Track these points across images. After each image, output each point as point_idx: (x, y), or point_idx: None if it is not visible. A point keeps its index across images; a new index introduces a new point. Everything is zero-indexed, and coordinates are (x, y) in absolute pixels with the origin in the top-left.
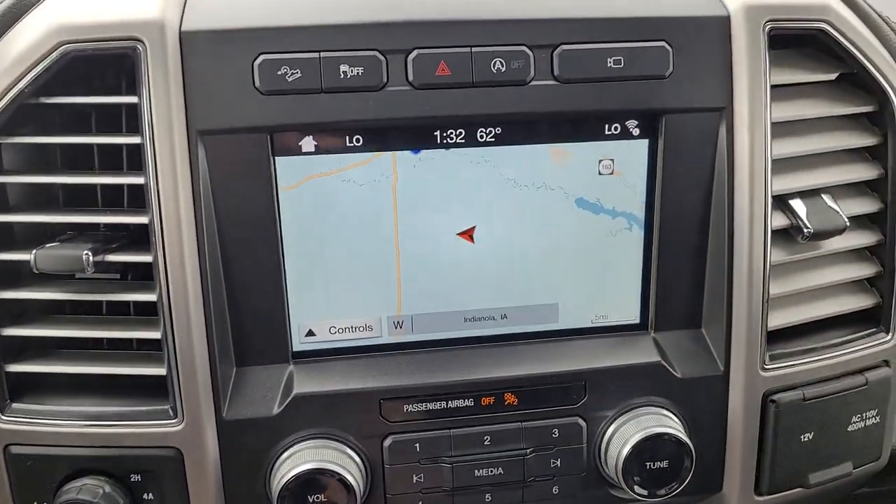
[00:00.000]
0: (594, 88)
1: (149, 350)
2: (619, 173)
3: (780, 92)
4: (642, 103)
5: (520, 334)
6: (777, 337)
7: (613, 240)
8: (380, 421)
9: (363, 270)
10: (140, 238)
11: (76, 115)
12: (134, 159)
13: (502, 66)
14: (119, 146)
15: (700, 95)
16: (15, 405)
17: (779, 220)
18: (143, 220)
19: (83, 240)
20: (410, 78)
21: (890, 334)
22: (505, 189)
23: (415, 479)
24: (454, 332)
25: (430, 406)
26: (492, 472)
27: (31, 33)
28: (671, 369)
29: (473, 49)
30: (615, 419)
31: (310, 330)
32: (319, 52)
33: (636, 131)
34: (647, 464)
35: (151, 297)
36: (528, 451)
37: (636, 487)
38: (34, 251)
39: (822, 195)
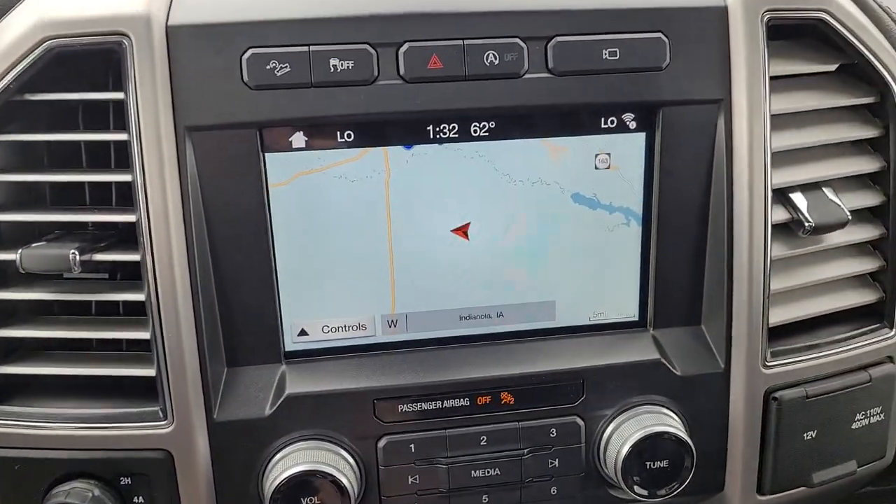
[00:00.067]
0: (589, 81)
1: (138, 351)
2: (616, 167)
3: (780, 83)
4: (639, 96)
5: (516, 332)
6: (778, 333)
7: (611, 235)
8: (374, 421)
9: (356, 268)
10: (128, 237)
11: (63, 113)
12: (122, 157)
13: (495, 58)
14: (106, 143)
15: (698, 87)
16: (2, 408)
17: (779, 214)
18: (130, 218)
19: (70, 239)
20: (402, 72)
21: (893, 330)
22: (500, 184)
23: (410, 480)
24: (449, 331)
25: (426, 406)
26: (489, 472)
27: (14, 29)
28: (671, 367)
29: (466, 42)
30: (614, 418)
31: (302, 329)
32: (309, 45)
33: (633, 124)
34: (647, 463)
35: (140, 297)
36: (526, 451)
37: (636, 487)
38: (20, 251)
39: (823, 188)
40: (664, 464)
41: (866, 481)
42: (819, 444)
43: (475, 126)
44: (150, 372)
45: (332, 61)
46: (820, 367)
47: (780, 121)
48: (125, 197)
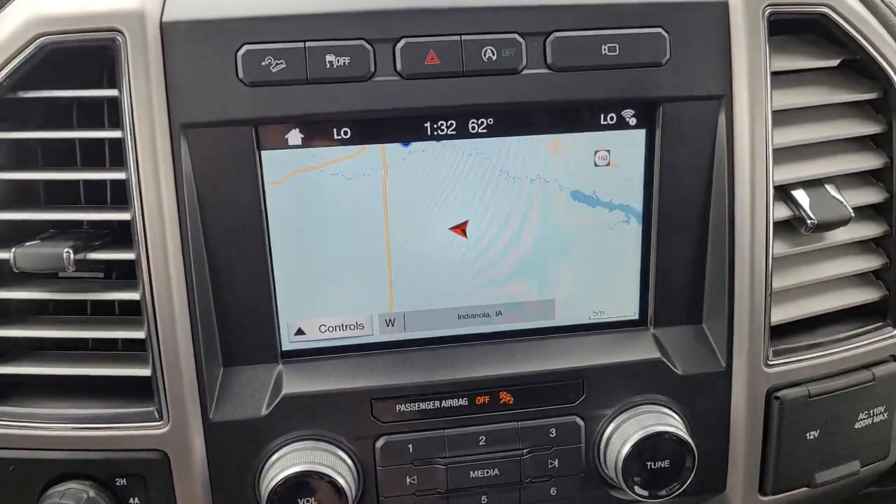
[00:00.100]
0: (588, 77)
1: (134, 350)
2: (616, 164)
3: (781, 79)
4: (638, 92)
5: (515, 331)
6: (780, 332)
7: (611, 233)
8: (371, 421)
9: (353, 267)
10: (123, 236)
11: (58, 111)
12: (116, 155)
13: (493, 54)
14: (101, 141)
15: (698, 83)
16: None
17: (781, 212)
18: (125, 216)
19: (64, 238)
20: (399, 68)
21: None
22: (498, 182)
23: (408, 480)
24: (447, 330)
25: (424, 406)
26: (487, 473)
27: (7, 25)
28: (671, 366)
29: (463, 37)
30: (614, 418)
31: (299, 328)
32: (304, 41)
33: (633, 121)
34: (648, 464)
35: (135, 296)
36: (525, 451)
37: (636, 488)
38: (13, 250)
39: (826, 185)
40: (665, 464)
41: (869, 482)
42: (822, 444)
43: (473, 123)
44: (145, 372)
45: (328, 57)
46: (822, 366)
47: (782, 117)
48: (120, 195)
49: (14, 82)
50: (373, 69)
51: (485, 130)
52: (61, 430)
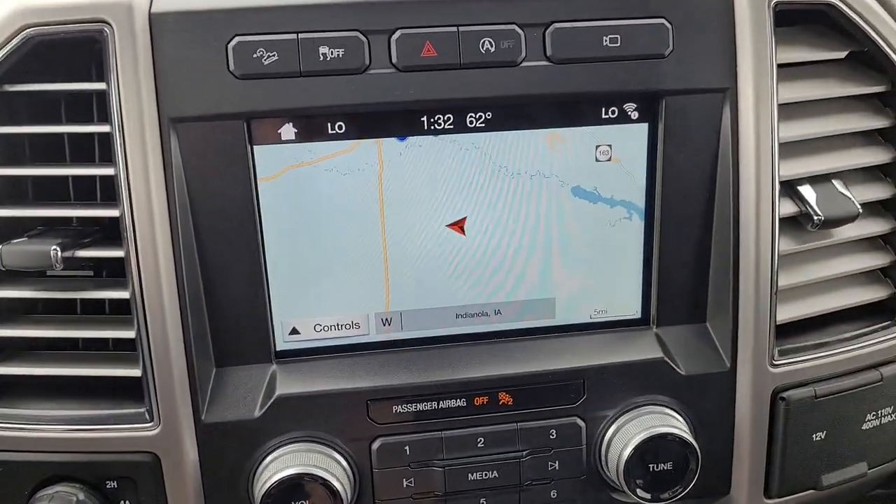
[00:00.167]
0: (589, 69)
1: (124, 350)
2: (618, 159)
3: (787, 71)
4: (641, 84)
5: (514, 331)
6: (786, 331)
7: (612, 230)
8: (367, 423)
9: (349, 265)
10: (113, 233)
11: (46, 105)
12: (106, 150)
13: (491, 46)
14: (91, 137)
15: (702, 75)
16: None
17: (787, 208)
18: (113, 213)
19: (53, 235)
20: (394, 60)
21: None
22: (497, 177)
23: (405, 483)
24: (445, 329)
25: (421, 407)
26: (486, 475)
27: None
28: (675, 366)
29: (461, 28)
30: (616, 419)
31: (293, 328)
32: (297, 32)
33: (635, 114)
34: (651, 466)
35: (125, 295)
36: (525, 453)
37: (639, 491)
38: (0, 247)
39: (833, 180)
40: (668, 466)
41: (877, 483)
42: (828, 445)
43: (471, 117)
44: (135, 372)
45: (322, 49)
46: (829, 365)
47: (788, 110)
48: (109, 192)
49: (0, 75)
50: (367, 61)
51: (483, 125)
52: (50, 431)
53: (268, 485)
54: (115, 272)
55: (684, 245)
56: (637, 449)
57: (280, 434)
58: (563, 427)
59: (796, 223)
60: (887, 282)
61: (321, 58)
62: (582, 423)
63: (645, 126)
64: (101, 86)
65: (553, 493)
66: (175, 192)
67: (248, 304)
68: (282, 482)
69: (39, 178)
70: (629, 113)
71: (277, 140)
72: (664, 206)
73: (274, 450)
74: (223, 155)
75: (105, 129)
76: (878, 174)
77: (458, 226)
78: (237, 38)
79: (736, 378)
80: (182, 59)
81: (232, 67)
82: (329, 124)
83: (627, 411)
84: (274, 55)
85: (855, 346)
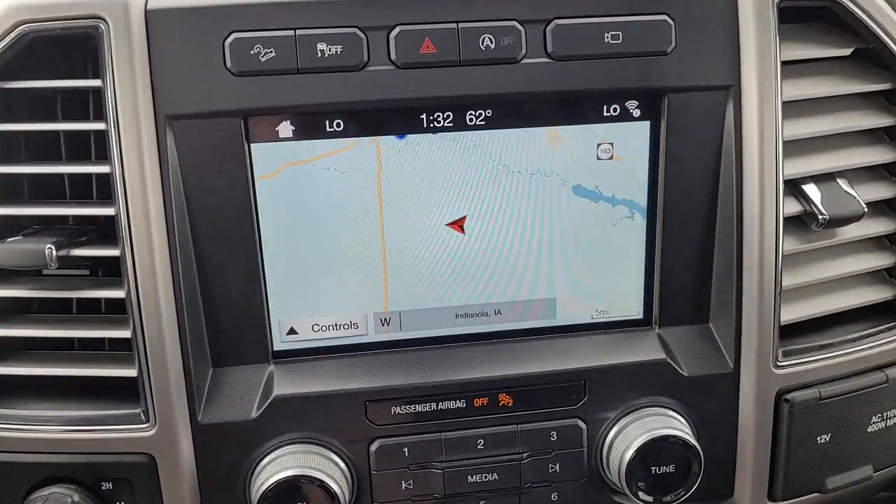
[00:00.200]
0: (591, 66)
1: (120, 350)
2: (619, 158)
3: (792, 69)
4: (643, 82)
5: (515, 331)
6: (790, 332)
7: (614, 229)
8: (366, 424)
9: (347, 264)
10: (109, 232)
11: (43, 103)
12: (102, 148)
13: (491, 42)
14: (87, 135)
15: (705, 73)
16: None
17: (791, 207)
18: (109, 211)
19: (48, 234)
20: (393, 57)
21: None
22: (497, 176)
23: (404, 485)
24: (444, 330)
25: (420, 408)
26: (486, 477)
27: None
28: (677, 367)
29: (460, 25)
30: (618, 421)
31: (291, 328)
32: (295, 29)
33: (637, 112)
34: (653, 468)
35: (120, 294)
36: (525, 455)
37: (641, 494)
38: None
39: (838, 179)
40: (670, 469)
41: (882, 486)
42: (833, 447)
43: (471, 114)
44: (131, 372)
45: (320, 46)
46: (834, 367)
47: (793, 108)
48: (106, 190)
49: None
50: (366, 58)
51: (483, 122)
52: (45, 432)
53: (265, 486)
54: (112, 271)
55: (687, 245)
56: (639, 451)
57: (277, 435)
58: (564, 429)
59: (800, 222)
60: (892, 282)
61: (319, 54)
62: (583, 425)
63: (647, 124)
64: (96, 83)
65: (553, 496)
66: (171, 190)
67: (245, 304)
68: (279, 484)
69: (35, 176)
70: (631, 111)
71: (275, 138)
72: (666, 205)
73: (271, 451)
74: (220, 153)
75: (101, 126)
76: (883, 173)
77: (458, 225)
78: (234, 35)
79: (739, 379)
80: (178, 56)
81: (229, 64)
82: (327, 122)
83: (629, 413)
84: (271, 52)
85: (860, 348)
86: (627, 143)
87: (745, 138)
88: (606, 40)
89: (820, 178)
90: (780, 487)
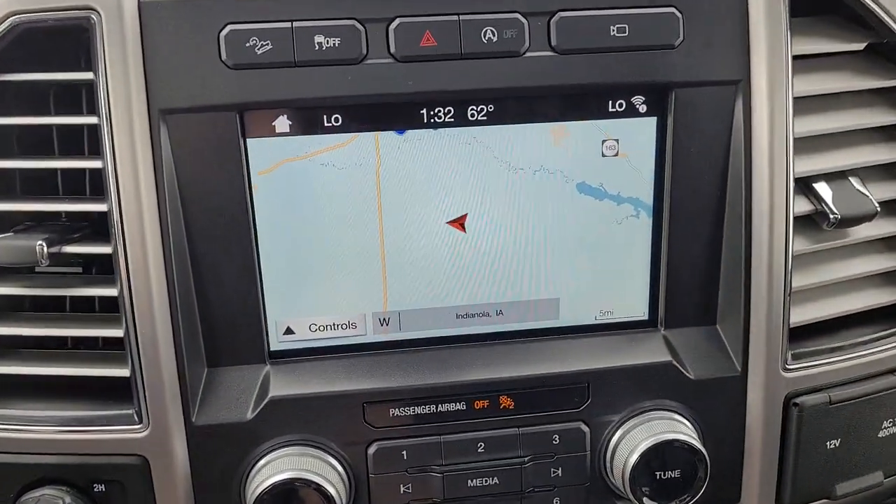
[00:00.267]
0: (596, 60)
1: (114, 349)
2: (625, 154)
3: (803, 63)
4: (649, 76)
5: (517, 332)
6: (800, 334)
7: (619, 228)
8: (363, 426)
9: (345, 263)
10: (102, 228)
11: (36, 96)
12: (95, 143)
13: (494, 35)
14: (80, 130)
15: (714, 67)
16: None
17: (802, 206)
18: (101, 207)
19: (40, 230)
20: (392, 50)
21: None
22: (499, 173)
23: (402, 489)
24: (445, 330)
25: (419, 410)
26: (486, 481)
27: None
28: (683, 370)
29: (461, 17)
30: (622, 424)
31: (288, 328)
32: (292, 21)
33: (643, 108)
34: (658, 473)
35: (113, 292)
36: (527, 458)
37: (645, 499)
38: None
39: (850, 178)
40: (676, 474)
41: (893, 492)
42: (843, 453)
43: (472, 109)
44: (124, 372)
45: (317, 38)
46: (844, 370)
47: (804, 104)
48: (99, 186)
49: None
50: (365, 51)
51: (484, 117)
52: (36, 433)
53: (260, 489)
54: (105, 269)
55: (694, 244)
56: (643, 456)
57: (273, 437)
58: (567, 432)
59: (811, 222)
60: None
61: (316, 47)
62: (586, 429)
63: (653, 120)
64: (88, 75)
65: (556, 501)
66: (165, 186)
67: (240, 303)
68: (274, 487)
69: (28, 171)
70: (637, 106)
71: (271, 133)
72: (673, 203)
73: (267, 453)
74: (215, 148)
75: (93, 120)
76: (895, 171)
77: (459, 223)
78: (229, 27)
79: (747, 383)
80: (172, 49)
81: (224, 57)
82: (325, 117)
83: (633, 416)
84: (268, 44)
85: (871, 351)
86: (633, 139)
87: (755, 135)
88: (612, 33)
89: (831, 177)
90: (787, 493)
